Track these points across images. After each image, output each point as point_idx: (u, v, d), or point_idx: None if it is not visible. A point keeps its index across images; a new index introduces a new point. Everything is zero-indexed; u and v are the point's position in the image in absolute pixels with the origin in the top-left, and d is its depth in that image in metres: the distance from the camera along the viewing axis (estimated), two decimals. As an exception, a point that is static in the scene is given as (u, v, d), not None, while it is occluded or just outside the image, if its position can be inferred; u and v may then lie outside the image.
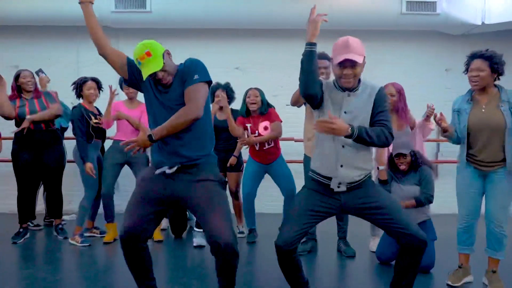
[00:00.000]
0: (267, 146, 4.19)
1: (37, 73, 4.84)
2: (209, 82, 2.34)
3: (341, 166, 2.35)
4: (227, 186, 4.50)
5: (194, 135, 2.32)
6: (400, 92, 3.77)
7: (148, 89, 2.39)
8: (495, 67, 2.90)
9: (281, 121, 4.25)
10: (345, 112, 2.36)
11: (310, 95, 2.34)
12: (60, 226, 4.51)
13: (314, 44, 2.32)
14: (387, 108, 2.43)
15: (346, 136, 2.27)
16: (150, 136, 2.21)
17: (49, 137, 4.34)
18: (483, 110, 2.97)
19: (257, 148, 4.20)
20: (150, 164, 2.56)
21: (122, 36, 5.93)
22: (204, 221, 2.25)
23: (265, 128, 4.19)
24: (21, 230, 4.36)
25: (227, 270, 2.28)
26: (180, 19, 5.54)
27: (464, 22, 5.58)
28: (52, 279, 3.19)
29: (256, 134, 4.17)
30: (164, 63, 2.27)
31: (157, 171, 2.32)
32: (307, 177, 2.58)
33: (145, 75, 2.26)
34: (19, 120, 4.23)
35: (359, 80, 2.43)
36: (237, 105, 4.52)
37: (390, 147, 3.66)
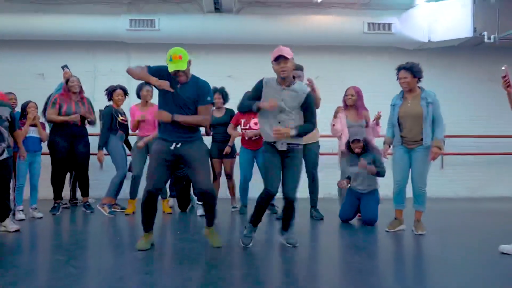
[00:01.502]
0: (254, 138, 5.33)
1: (62, 68, 5.94)
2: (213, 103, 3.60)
3: None
4: (223, 169, 5.65)
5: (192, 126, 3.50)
6: (358, 93, 4.96)
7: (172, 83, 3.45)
8: (415, 74, 4.13)
9: None
10: (281, 100, 3.44)
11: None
12: (88, 203, 5.58)
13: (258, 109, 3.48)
14: (312, 105, 3.51)
15: (292, 136, 3.45)
16: (173, 116, 3.39)
17: (80, 131, 5.44)
18: (408, 104, 4.19)
19: (246, 137, 5.34)
20: (157, 140, 3.63)
21: (135, 50, 7.07)
22: (193, 175, 3.47)
23: (255, 123, 5.31)
24: (55, 204, 5.42)
25: (209, 207, 3.54)
26: (183, 36, 6.71)
27: (414, 39, 6.87)
28: (84, 237, 4.28)
29: (247, 127, 5.31)
30: (186, 67, 3.40)
31: (171, 147, 3.43)
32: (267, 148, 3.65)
33: (171, 69, 3.32)
34: (64, 115, 5.29)
35: (294, 79, 3.58)
36: (230, 105, 5.67)
37: (347, 136, 4.85)
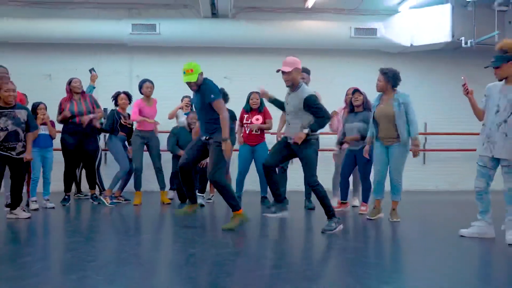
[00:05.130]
0: (254, 132, 5.82)
1: (90, 70, 6.42)
2: (220, 95, 4.22)
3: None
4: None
5: (211, 122, 4.19)
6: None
7: (193, 94, 4.37)
8: (388, 78, 4.63)
9: (271, 118, 5.91)
10: (287, 104, 4.14)
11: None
12: (95, 195, 6.05)
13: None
14: (314, 105, 4.04)
15: (308, 135, 4.00)
16: (224, 139, 4.09)
17: (89, 130, 5.89)
18: (382, 106, 4.70)
19: (247, 131, 5.84)
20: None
21: (137, 52, 7.54)
22: (209, 164, 4.14)
23: (257, 119, 5.81)
24: (66, 196, 5.89)
25: (221, 194, 4.16)
26: (182, 40, 7.20)
27: (398, 44, 7.38)
28: (95, 224, 4.78)
29: (249, 122, 5.81)
30: (196, 79, 4.08)
31: (202, 138, 4.26)
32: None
33: (184, 80, 4.15)
34: (69, 116, 5.75)
35: (300, 84, 4.12)
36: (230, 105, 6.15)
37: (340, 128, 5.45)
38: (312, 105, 4.01)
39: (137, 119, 5.83)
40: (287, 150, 4.19)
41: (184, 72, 4.12)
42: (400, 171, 4.70)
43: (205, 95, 4.13)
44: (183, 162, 4.25)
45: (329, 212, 4.13)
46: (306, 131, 3.98)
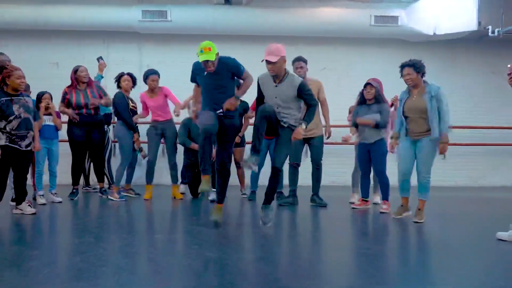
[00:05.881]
0: None
1: (98, 59, 6.15)
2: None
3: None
4: (234, 158, 5.88)
5: (228, 97, 3.92)
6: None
7: (201, 76, 3.97)
8: (417, 69, 4.32)
9: None
10: (274, 97, 3.84)
11: None
12: (104, 188, 5.82)
13: None
14: (307, 91, 3.84)
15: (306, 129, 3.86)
16: (237, 97, 3.89)
17: (95, 120, 5.63)
18: (413, 99, 4.39)
19: None
20: (204, 109, 4.03)
21: (146, 40, 7.25)
22: (220, 147, 3.97)
23: None
24: (74, 190, 5.65)
25: (223, 182, 4.02)
26: (193, 27, 6.90)
27: (419, 32, 7.03)
28: (101, 222, 4.54)
29: None
30: (214, 58, 3.78)
31: (218, 112, 3.92)
32: None
33: (201, 59, 3.78)
34: (76, 108, 5.49)
35: (287, 72, 3.87)
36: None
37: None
38: (305, 91, 3.86)
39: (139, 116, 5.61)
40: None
41: (201, 51, 3.78)
42: (429, 167, 4.40)
43: (231, 67, 3.90)
44: (206, 128, 3.73)
45: (270, 201, 4.01)
46: (304, 127, 3.84)
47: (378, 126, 4.88)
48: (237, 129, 4.13)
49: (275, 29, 6.98)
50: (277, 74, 3.83)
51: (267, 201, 4.00)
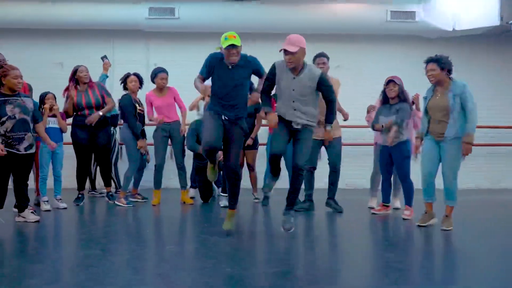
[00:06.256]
0: None
1: (102, 58, 5.89)
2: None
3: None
4: (246, 161, 5.63)
5: (240, 103, 3.69)
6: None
7: (219, 69, 3.65)
8: (442, 65, 4.03)
9: None
10: (293, 90, 3.58)
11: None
12: (110, 193, 5.57)
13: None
14: (327, 83, 3.61)
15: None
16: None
17: (100, 122, 5.37)
18: (437, 97, 4.10)
19: None
20: (210, 111, 3.74)
21: (153, 39, 7.00)
22: (226, 151, 3.69)
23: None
24: (79, 195, 5.41)
25: (233, 188, 3.71)
26: (203, 25, 6.63)
27: (438, 28, 6.73)
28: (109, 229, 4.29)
29: None
30: (240, 44, 3.54)
31: (223, 117, 3.66)
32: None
33: (227, 43, 3.48)
34: (77, 108, 5.24)
35: (305, 64, 3.60)
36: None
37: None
38: (325, 84, 3.62)
39: (155, 119, 5.32)
40: (288, 135, 3.73)
41: (226, 38, 3.50)
42: (456, 170, 4.11)
43: (253, 65, 3.68)
44: (209, 143, 3.53)
45: (293, 205, 3.79)
46: (329, 128, 3.76)
47: (395, 124, 4.55)
48: (245, 133, 3.88)
49: (287, 26, 6.68)
50: (296, 66, 3.54)
51: (289, 205, 3.75)
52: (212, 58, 3.69)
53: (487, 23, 6.48)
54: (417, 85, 7.33)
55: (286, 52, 3.48)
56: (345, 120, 5.13)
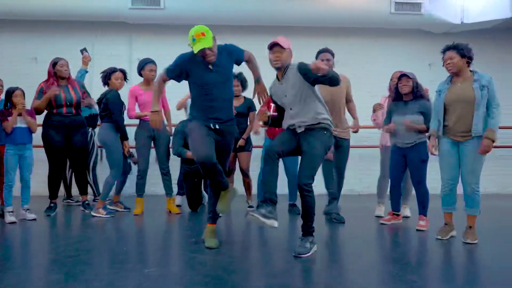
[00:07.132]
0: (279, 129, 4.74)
1: (81, 51, 5.33)
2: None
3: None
4: (239, 165, 5.09)
5: (227, 103, 3.29)
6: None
7: (197, 71, 3.17)
8: (462, 52, 3.54)
9: None
10: (285, 96, 3.22)
11: None
12: (87, 202, 4.98)
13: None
14: (308, 65, 3.03)
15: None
16: (258, 80, 3.41)
17: (77, 122, 4.80)
18: (458, 87, 3.59)
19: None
20: (194, 121, 3.25)
21: (137, 31, 6.44)
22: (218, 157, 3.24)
23: (274, 109, 4.73)
24: (51, 205, 4.81)
25: (215, 183, 3.25)
26: (190, 16, 6.07)
27: (445, 21, 6.27)
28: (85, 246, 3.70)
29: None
30: (212, 44, 2.98)
31: (211, 125, 3.23)
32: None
33: (197, 49, 2.97)
34: (54, 105, 4.65)
35: (289, 64, 3.20)
36: (247, 93, 5.07)
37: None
38: (306, 68, 3.08)
39: (136, 116, 4.75)
40: (294, 142, 3.24)
41: (193, 39, 3.01)
42: (478, 175, 3.61)
43: (232, 52, 3.27)
44: (204, 157, 3.07)
45: (309, 229, 3.19)
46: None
47: (427, 130, 4.00)
48: (235, 137, 3.55)
49: (283, 19, 6.20)
50: (281, 66, 3.19)
51: (304, 232, 3.19)
52: (181, 59, 3.22)
53: (498, 15, 6.05)
54: (424, 83, 6.90)
55: (274, 47, 3.14)
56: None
